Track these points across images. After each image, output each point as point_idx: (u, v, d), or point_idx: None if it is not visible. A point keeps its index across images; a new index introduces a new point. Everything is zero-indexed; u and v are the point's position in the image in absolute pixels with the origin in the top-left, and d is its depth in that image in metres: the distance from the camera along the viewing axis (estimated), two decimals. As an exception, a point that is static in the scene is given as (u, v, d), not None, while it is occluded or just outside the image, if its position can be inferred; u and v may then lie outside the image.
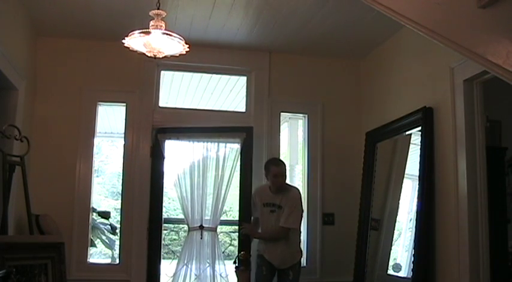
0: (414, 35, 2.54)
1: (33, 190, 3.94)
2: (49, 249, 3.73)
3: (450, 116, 3.51)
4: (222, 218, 4.84)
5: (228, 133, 4.77)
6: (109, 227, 6.08)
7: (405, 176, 4.30)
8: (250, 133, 4.72)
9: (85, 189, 4.51)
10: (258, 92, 4.91)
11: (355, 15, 4.08)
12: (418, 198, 3.76)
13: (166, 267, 4.95)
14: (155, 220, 4.63)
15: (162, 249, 4.77)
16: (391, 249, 4.44)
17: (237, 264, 4.45)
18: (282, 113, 4.99)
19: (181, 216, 4.88)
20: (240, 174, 4.74)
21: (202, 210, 4.68)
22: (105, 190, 11.44)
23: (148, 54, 3.16)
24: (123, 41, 3.11)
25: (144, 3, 3.62)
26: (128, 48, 3.17)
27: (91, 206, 4.64)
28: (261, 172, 4.62)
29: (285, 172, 4.24)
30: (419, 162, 3.76)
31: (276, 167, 4.18)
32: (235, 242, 4.91)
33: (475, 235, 3.26)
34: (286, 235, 4.12)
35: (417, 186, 3.82)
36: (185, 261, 4.64)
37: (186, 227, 4.83)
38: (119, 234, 4.85)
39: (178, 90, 5.63)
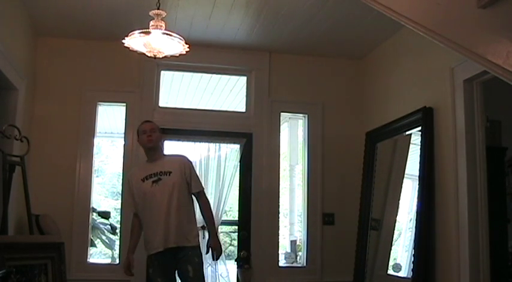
0: (414, 35, 2.53)
1: (33, 190, 3.94)
2: (49, 249, 3.73)
3: (450, 116, 3.51)
4: (222, 218, 4.82)
5: (228, 138, 4.80)
6: (109, 227, 6.07)
7: (405, 176, 4.30)
8: (250, 139, 4.80)
9: (85, 189, 4.50)
10: (258, 92, 4.91)
11: (355, 15, 4.08)
12: (418, 198, 3.76)
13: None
14: (155, 220, 4.62)
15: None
16: (391, 249, 4.44)
17: (239, 263, 4.47)
18: (282, 113, 4.98)
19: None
20: (240, 176, 4.80)
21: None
22: (105, 190, 11.41)
23: (148, 54, 3.17)
24: (123, 41, 3.12)
25: (144, 3, 3.63)
26: (128, 48, 3.17)
27: (91, 206, 4.63)
28: (261, 172, 4.63)
29: (158, 129, 3.69)
30: (419, 162, 3.76)
31: (145, 123, 3.74)
32: (235, 242, 4.91)
33: (475, 235, 3.26)
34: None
35: (417, 186, 3.82)
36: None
37: (186, 227, 4.83)
38: (119, 234, 4.84)
39: (178, 90, 5.62)
